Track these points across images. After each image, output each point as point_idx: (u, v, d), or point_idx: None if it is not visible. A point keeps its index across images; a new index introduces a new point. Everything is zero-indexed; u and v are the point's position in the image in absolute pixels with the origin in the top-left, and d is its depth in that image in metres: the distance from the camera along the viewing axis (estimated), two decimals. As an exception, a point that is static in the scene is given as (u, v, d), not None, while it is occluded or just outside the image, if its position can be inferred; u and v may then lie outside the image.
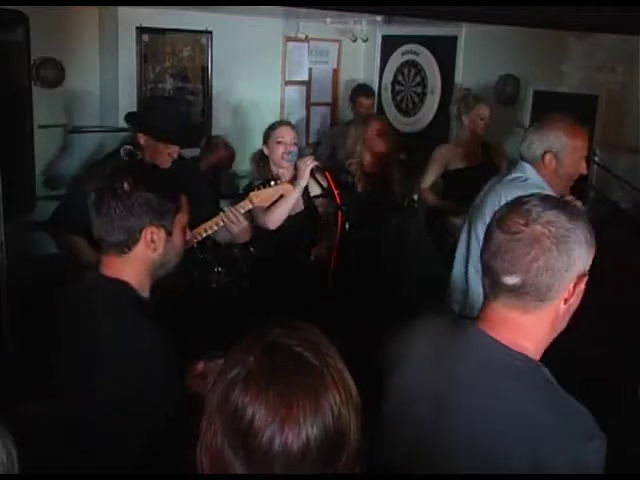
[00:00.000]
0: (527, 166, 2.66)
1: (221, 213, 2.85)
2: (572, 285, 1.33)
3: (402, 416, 1.47)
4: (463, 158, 4.40)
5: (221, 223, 2.85)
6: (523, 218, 1.32)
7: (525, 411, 1.29)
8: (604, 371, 2.97)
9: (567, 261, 1.30)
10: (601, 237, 1.39)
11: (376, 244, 3.88)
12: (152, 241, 1.68)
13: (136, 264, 1.70)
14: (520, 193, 1.49)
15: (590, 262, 1.36)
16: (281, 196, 3.04)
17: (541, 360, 1.40)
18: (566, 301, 1.35)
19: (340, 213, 3.23)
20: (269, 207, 3.10)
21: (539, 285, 1.31)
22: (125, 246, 1.68)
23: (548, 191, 2.39)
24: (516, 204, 1.37)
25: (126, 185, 1.65)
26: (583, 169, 2.65)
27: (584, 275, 1.35)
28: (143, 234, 1.67)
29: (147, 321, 1.62)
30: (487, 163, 4.33)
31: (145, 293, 1.72)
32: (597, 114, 4.43)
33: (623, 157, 4.29)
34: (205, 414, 1.01)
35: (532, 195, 1.39)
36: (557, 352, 1.45)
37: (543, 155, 2.60)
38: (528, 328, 1.35)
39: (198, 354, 1.89)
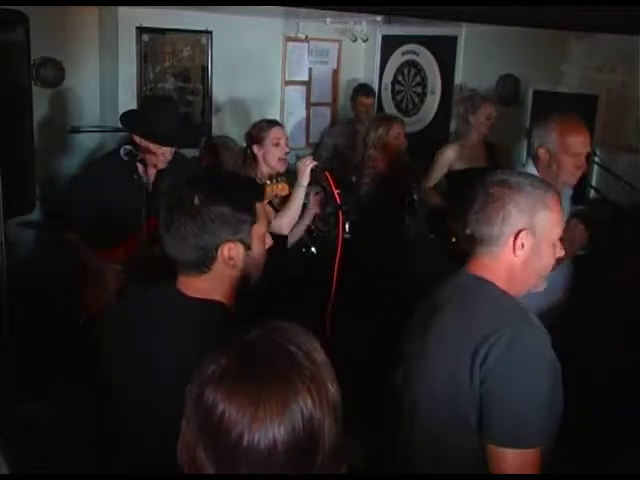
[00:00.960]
0: (529, 162, 2.76)
1: None
2: (512, 238, 1.63)
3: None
4: (468, 158, 4.39)
5: None
6: (487, 184, 1.68)
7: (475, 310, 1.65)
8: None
9: (502, 215, 1.62)
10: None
11: (379, 243, 3.89)
12: (230, 258, 1.53)
13: (218, 282, 1.56)
14: None
15: (544, 224, 1.64)
16: (276, 195, 3.02)
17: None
18: (515, 253, 1.64)
19: (340, 213, 3.23)
20: (278, 212, 3.10)
21: (479, 234, 1.67)
22: (203, 265, 1.53)
23: None
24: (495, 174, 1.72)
25: (196, 199, 1.49)
26: (582, 164, 2.66)
27: (525, 230, 1.62)
28: (220, 251, 1.52)
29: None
30: (492, 164, 4.33)
31: (232, 309, 1.60)
32: (597, 114, 4.43)
33: (623, 157, 4.29)
34: (184, 414, 1.03)
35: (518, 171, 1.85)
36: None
37: (537, 150, 2.68)
38: (489, 267, 1.68)
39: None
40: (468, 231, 1.69)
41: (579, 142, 2.65)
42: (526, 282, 1.69)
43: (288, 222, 3.18)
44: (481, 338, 1.54)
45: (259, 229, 1.58)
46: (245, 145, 3.42)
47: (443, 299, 1.73)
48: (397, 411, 1.78)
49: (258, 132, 3.33)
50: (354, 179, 3.93)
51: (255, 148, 3.33)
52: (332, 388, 1.02)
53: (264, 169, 3.33)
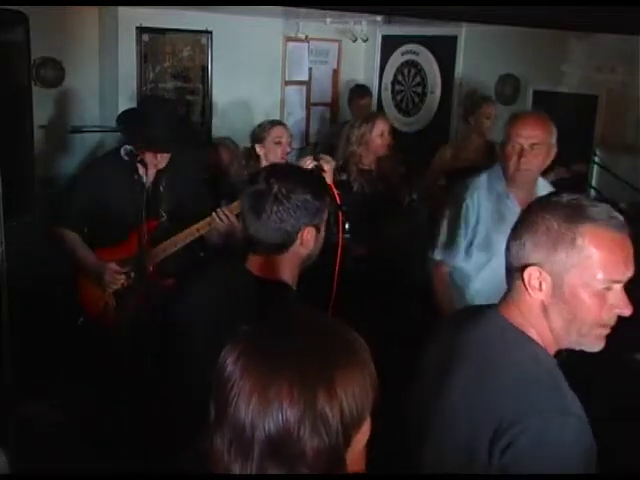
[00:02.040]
0: (496, 169, 2.78)
1: (213, 214, 2.82)
2: (521, 273, 1.39)
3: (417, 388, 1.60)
4: (467, 158, 4.40)
5: (213, 224, 2.82)
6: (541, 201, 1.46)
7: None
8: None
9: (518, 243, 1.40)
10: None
11: (377, 243, 3.88)
12: (307, 240, 1.75)
13: (290, 262, 1.77)
14: None
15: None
16: None
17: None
18: (528, 292, 1.38)
19: (340, 213, 3.22)
20: None
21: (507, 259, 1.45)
22: (283, 247, 1.74)
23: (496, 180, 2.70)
24: None
25: (284, 189, 1.70)
26: (516, 153, 2.59)
27: (533, 266, 1.37)
28: (299, 234, 1.73)
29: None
30: (492, 163, 4.33)
31: (294, 287, 1.81)
32: (597, 114, 4.43)
33: (623, 157, 4.30)
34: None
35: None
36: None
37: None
38: (518, 307, 1.44)
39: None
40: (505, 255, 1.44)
41: (517, 132, 2.59)
42: (560, 335, 1.39)
43: None
44: (503, 424, 1.29)
45: (325, 215, 1.82)
46: (249, 145, 3.44)
47: (468, 345, 1.46)
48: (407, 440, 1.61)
49: (260, 131, 3.36)
50: (344, 177, 3.91)
51: (258, 147, 3.35)
52: (345, 403, 0.99)
53: None
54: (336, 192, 3.22)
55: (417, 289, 3.99)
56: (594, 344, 1.39)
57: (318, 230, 1.78)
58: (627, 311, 1.34)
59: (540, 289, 1.35)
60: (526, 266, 1.36)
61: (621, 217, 1.34)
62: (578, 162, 4.26)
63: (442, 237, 2.87)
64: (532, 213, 1.38)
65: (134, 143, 2.81)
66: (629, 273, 1.33)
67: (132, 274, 2.89)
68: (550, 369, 1.37)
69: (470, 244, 2.76)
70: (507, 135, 2.64)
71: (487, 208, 2.73)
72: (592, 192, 4.38)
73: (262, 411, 0.96)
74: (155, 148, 2.85)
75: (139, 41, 4.96)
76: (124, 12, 4.82)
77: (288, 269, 1.77)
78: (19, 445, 2.60)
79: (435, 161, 4.48)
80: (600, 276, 1.31)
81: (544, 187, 2.67)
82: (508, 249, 1.41)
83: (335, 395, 0.97)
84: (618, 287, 1.33)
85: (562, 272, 1.33)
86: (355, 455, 1.03)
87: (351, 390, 0.98)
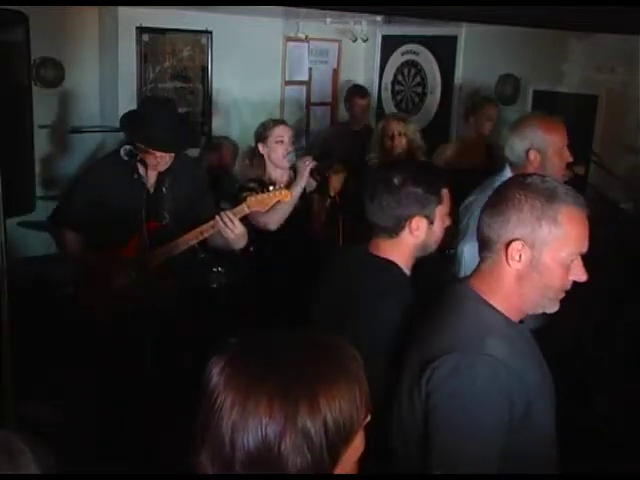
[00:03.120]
0: (506, 169, 2.71)
1: (217, 217, 2.79)
2: (505, 246, 1.52)
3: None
4: (466, 158, 4.39)
5: (217, 227, 2.79)
6: (512, 182, 1.62)
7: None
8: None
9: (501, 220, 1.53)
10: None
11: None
12: (416, 229, 1.92)
13: (400, 247, 1.95)
14: None
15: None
16: (278, 201, 3.00)
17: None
18: (508, 262, 1.52)
19: (340, 213, 3.23)
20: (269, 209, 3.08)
21: (481, 234, 1.59)
22: (393, 231, 1.94)
23: None
24: None
25: (397, 180, 1.90)
26: (568, 157, 2.68)
27: (518, 241, 1.50)
28: (408, 222, 1.91)
29: (405, 296, 1.90)
30: (491, 164, 4.33)
31: (407, 272, 1.97)
32: (597, 114, 4.43)
33: (623, 157, 4.30)
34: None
35: None
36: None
37: (527, 153, 2.65)
38: (485, 277, 1.61)
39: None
40: (480, 231, 1.58)
41: (562, 135, 2.67)
42: (528, 300, 1.55)
43: (277, 219, 3.18)
44: (428, 360, 1.49)
45: (442, 209, 1.95)
46: (253, 144, 3.44)
47: (436, 307, 1.65)
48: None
49: (263, 131, 3.37)
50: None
51: (260, 146, 3.35)
52: (325, 415, 0.97)
53: (270, 167, 3.35)
54: (336, 192, 3.24)
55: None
56: (554, 306, 1.56)
57: (430, 222, 1.93)
58: (584, 278, 1.52)
59: (519, 260, 1.50)
60: (511, 240, 1.49)
61: (580, 196, 1.52)
62: (578, 162, 4.26)
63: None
64: (513, 193, 1.51)
65: (137, 143, 2.81)
66: (587, 245, 1.52)
67: (133, 274, 2.89)
68: (485, 321, 1.53)
69: None
70: (553, 142, 2.63)
71: None
72: (592, 192, 4.39)
73: (241, 425, 0.93)
74: (158, 148, 2.84)
75: (139, 41, 4.97)
76: (124, 12, 4.82)
77: (398, 253, 1.95)
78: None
79: (434, 161, 4.47)
80: (571, 250, 1.49)
81: None
82: (486, 225, 1.54)
83: (318, 409, 0.94)
84: (579, 258, 1.51)
85: (542, 245, 1.48)
86: (346, 470, 1.01)
87: (337, 404, 0.95)
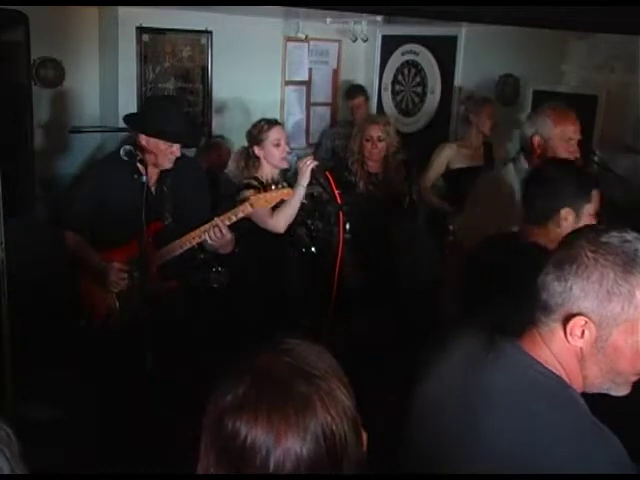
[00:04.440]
0: (520, 156, 2.79)
1: (206, 226, 2.82)
2: (563, 319, 1.27)
3: (426, 421, 1.46)
4: (466, 158, 4.40)
5: (204, 235, 2.83)
6: (592, 238, 1.32)
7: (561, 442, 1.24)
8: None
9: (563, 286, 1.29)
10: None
11: (378, 244, 3.90)
12: (564, 219, 2.09)
13: (546, 233, 2.11)
14: None
15: None
16: (281, 200, 3.01)
17: None
18: (567, 339, 1.28)
19: (341, 213, 3.23)
20: (274, 209, 3.09)
21: (544, 296, 1.34)
22: (541, 220, 2.13)
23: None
24: None
25: (550, 173, 2.17)
26: (574, 151, 2.72)
27: (580, 316, 1.25)
28: (557, 213, 2.09)
29: None
30: (489, 164, 4.34)
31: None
32: (597, 114, 4.43)
33: (623, 157, 4.29)
34: (202, 443, 1.04)
35: None
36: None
37: (532, 139, 2.71)
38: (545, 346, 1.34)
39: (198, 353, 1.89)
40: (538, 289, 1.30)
41: (571, 129, 2.73)
42: (591, 382, 1.31)
43: (285, 221, 3.18)
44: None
45: (590, 208, 2.12)
46: (247, 144, 3.41)
47: (493, 388, 1.32)
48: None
49: (258, 133, 3.31)
50: (353, 179, 3.95)
51: (257, 149, 3.32)
52: (348, 402, 1.03)
53: (267, 169, 3.33)
54: (337, 192, 3.24)
55: (418, 289, 4.00)
56: (624, 390, 1.33)
57: (577, 215, 2.09)
58: None
59: (581, 337, 1.25)
60: (571, 313, 1.25)
61: None
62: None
63: None
64: (580, 253, 1.24)
65: (154, 136, 2.81)
66: None
67: (135, 275, 2.89)
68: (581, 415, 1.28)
69: None
70: (560, 130, 2.69)
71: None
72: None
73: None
74: (175, 140, 2.85)
75: (139, 41, 4.96)
76: (124, 12, 4.82)
77: (543, 238, 2.09)
78: (19, 445, 2.60)
79: (433, 161, 4.48)
80: None
81: None
82: (546, 286, 1.28)
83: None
84: None
85: (611, 325, 1.23)
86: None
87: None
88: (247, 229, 3.11)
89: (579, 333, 1.24)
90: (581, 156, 2.82)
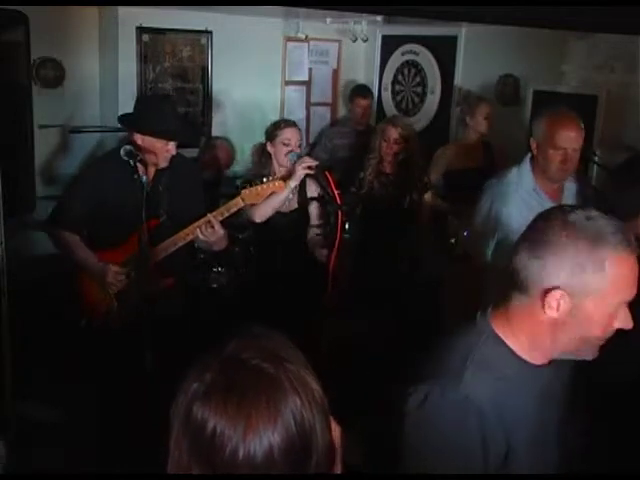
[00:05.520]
0: (526, 159, 2.80)
1: (199, 222, 2.84)
2: (542, 292, 1.36)
3: None
4: (465, 159, 4.40)
5: (196, 232, 2.85)
6: (557, 215, 1.43)
7: None
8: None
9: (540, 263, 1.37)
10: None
11: (380, 244, 3.91)
12: None
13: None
14: None
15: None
16: (272, 193, 3.05)
17: None
18: (544, 311, 1.37)
19: (340, 213, 3.23)
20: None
21: (517, 274, 1.44)
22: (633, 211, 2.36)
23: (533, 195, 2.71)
24: None
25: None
26: (565, 159, 2.69)
27: (557, 289, 1.34)
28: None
29: None
30: (489, 164, 4.33)
31: None
32: (597, 114, 4.42)
33: (623, 157, 4.29)
34: (172, 433, 1.03)
35: None
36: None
37: (531, 143, 2.75)
38: (512, 322, 1.48)
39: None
40: (513, 268, 1.40)
41: (564, 136, 2.68)
42: (560, 347, 1.42)
43: (262, 213, 3.26)
44: (414, 381, 1.43)
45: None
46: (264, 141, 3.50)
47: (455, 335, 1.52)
48: None
49: (272, 130, 3.44)
50: (362, 174, 4.04)
51: (268, 145, 3.43)
52: (317, 387, 1.02)
53: (275, 166, 3.43)
54: (336, 192, 3.24)
55: (418, 290, 4.00)
56: (591, 354, 1.44)
57: None
58: (629, 326, 1.38)
59: (557, 309, 1.35)
60: (548, 288, 1.34)
61: (631, 238, 1.36)
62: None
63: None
64: (553, 232, 1.34)
65: (149, 134, 2.81)
66: (635, 291, 1.37)
67: (133, 274, 2.89)
68: (484, 365, 1.40)
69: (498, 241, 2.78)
70: (550, 137, 2.68)
71: (517, 205, 2.73)
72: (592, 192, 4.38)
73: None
74: (170, 138, 2.85)
75: (139, 41, 4.96)
76: (124, 12, 4.82)
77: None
78: (19, 445, 2.60)
79: (433, 162, 4.48)
80: (617, 299, 1.34)
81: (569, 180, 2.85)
82: (520, 264, 1.38)
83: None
84: (625, 305, 1.37)
85: (584, 295, 1.33)
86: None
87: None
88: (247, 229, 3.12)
89: (555, 305, 1.34)
90: (580, 158, 2.81)
